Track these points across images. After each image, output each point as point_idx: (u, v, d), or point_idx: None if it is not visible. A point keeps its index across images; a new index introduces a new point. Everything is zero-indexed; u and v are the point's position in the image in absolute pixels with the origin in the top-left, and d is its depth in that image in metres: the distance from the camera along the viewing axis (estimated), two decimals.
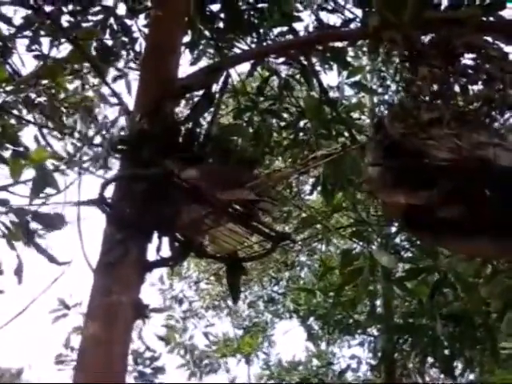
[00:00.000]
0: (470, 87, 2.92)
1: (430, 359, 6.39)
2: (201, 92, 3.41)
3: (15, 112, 4.52)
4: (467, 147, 2.61)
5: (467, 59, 2.91)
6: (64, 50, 4.30)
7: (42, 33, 4.22)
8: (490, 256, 3.66)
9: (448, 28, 2.86)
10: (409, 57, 2.93)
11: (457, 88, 2.94)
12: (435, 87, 2.86)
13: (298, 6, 4.94)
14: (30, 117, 4.63)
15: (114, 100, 4.86)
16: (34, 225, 3.82)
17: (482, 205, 2.59)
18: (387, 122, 2.77)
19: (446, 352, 5.37)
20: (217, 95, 3.20)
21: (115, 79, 4.87)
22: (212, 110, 3.20)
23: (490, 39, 2.97)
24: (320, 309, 7.85)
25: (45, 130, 4.69)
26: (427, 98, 2.86)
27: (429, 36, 3.01)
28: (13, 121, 4.59)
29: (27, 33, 4.24)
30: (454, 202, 2.60)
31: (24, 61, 4.38)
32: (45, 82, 4.34)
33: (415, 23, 2.85)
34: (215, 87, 3.20)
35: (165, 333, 10.35)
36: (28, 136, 4.61)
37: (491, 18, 3.22)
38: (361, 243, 5.30)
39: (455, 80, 2.89)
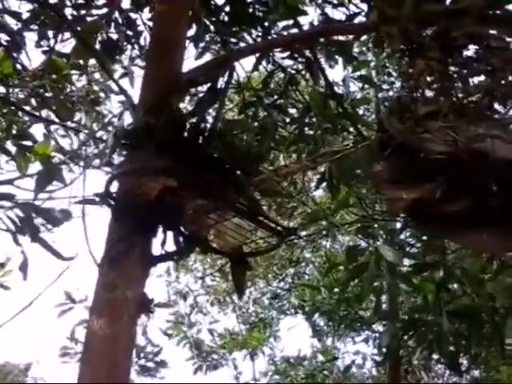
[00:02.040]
0: (470, 79, 2.90)
1: (435, 356, 6.37)
2: (205, 87, 3.40)
3: (27, 108, 4.54)
4: (464, 140, 2.60)
5: (467, 50, 2.88)
6: (70, 44, 4.32)
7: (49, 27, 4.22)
8: (496, 250, 3.65)
9: (448, 20, 2.83)
10: (406, 51, 2.92)
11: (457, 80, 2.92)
12: (433, 80, 2.85)
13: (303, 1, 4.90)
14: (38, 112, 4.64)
15: (119, 95, 4.87)
16: (39, 220, 3.83)
17: (486, 198, 2.57)
18: (385, 118, 2.77)
19: (452, 348, 5.35)
20: (222, 89, 3.18)
21: (122, 76, 4.87)
22: (217, 104, 3.17)
23: (494, 32, 2.94)
24: (325, 305, 7.84)
25: (54, 127, 4.71)
26: (426, 92, 2.85)
27: (429, 29, 2.99)
28: (22, 116, 4.61)
29: (34, 27, 4.25)
30: (458, 195, 2.58)
31: (32, 57, 4.40)
32: (51, 76, 4.34)
33: (414, 16, 2.83)
34: (220, 81, 3.18)
35: (170, 327, 10.39)
36: (39, 132, 4.64)
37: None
38: (366, 239, 5.28)
39: (455, 72, 2.88)
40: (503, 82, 2.76)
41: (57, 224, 3.63)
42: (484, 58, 2.78)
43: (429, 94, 2.85)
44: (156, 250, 2.98)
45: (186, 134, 2.97)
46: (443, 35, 2.81)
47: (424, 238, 5.66)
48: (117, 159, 4.82)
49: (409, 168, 2.67)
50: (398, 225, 6.04)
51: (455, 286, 5.20)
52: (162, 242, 2.96)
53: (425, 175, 2.62)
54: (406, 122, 2.71)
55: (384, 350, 7.18)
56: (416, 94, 2.84)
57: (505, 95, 2.77)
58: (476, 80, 2.89)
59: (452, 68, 2.88)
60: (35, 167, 4.19)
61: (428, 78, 2.83)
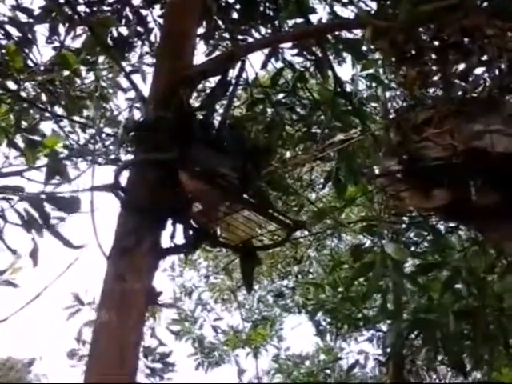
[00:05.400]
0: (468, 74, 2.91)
1: (439, 356, 6.36)
2: (213, 82, 3.41)
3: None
4: (462, 140, 2.61)
5: (462, 46, 2.88)
6: (80, 39, 4.35)
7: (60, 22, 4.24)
8: None
9: (442, 16, 2.83)
10: (399, 61, 2.94)
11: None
12: (429, 86, 2.87)
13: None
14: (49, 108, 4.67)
15: (128, 91, 4.91)
16: (49, 210, 3.84)
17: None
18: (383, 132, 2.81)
19: (457, 349, 5.33)
20: (232, 82, 3.18)
21: (131, 72, 4.88)
22: (227, 97, 3.18)
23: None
24: (329, 304, 7.83)
25: (62, 123, 4.74)
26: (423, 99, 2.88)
27: (424, 33, 3.00)
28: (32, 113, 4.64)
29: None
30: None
31: (42, 53, 4.43)
32: (61, 71, 4.37)
33: (411, 19, 2.82)
34: (231, 74, 3.18)
35: (174, 323, 10.40)
36: (48, 128, 4.67)
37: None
38: (371, 238, 5.27)
39: (452, 71, 2.89)
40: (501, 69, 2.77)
41: (68, 211, 3.63)
42: (480, 47, 2.78)
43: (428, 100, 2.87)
44: (165, 242, 3.00)
45: (195, 127, 2.98)
46: (438, 34, 2.82)
47: (429, 237, 5.66)
48: (123, 155, 4.85)
49: (414, 175, 2.71)
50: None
51: (461, 285, 5.19)
52: (172, 234, 2.97)
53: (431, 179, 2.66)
54: (404, 133, 2.74)
55: (388, 349, 7.17)
56: (412, 102, 2.87)
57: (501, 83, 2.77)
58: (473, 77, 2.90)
59: (447, 67, 2.89)
60: (43, 162, 4.21)
61: (422, 86, 2.85)
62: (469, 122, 2.68)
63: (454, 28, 2.77)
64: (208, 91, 3.73)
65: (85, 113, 5.12)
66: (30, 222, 3.84)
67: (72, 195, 3.52)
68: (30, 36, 4.36)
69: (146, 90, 3.43)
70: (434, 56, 2.91)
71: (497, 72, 2.86)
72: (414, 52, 2.92)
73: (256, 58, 4.50)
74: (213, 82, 3.68)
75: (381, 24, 2.89)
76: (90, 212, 3.05)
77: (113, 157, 4.77)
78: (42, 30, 4.45)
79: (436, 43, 2.91)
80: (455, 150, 2.62)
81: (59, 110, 4.82)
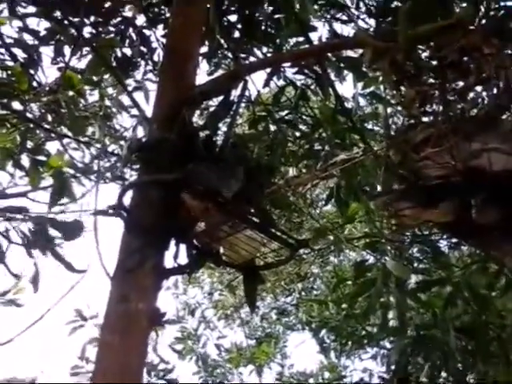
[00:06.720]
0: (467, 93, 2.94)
1: (443, 373, 6.32)
2: (216, 101, 3.45)
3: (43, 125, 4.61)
4: (460, 159, 2.64)
5: (460, 65, 2.91)
6: (85, 60, 4.41)
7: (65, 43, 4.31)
8: None
9: (440, 36, 2.86)
10: (398, 82, 2.97)
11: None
12: (428, 105, 2.90)
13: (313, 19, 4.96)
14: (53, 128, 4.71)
15: (132, 109, 4.96)
16: (52, 233, 3.87)
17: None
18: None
19: (459, 366, 5.31)
20: (235, 102, 3.22)
21: (134, 90, 4.94)
22: (230, 116, 3.21)
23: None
24: (333, 321, 7.80)
25: (66, 141, 4.78)
26: (422, 118, 2.91)
27: (422, 53, 3.04)
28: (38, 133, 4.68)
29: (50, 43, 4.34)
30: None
31: (48, 74, 4.49)
32: (66, 92, 4.42)
33: (409, 40, 2.85)
34: (233, 94, 3.22)
35: (177, 342, 10.37)
36: (53, 148, 4.72)
37: None
38: (374, 254, 5.28)
39: (450, 90, 2.92)
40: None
41: (71, 237, 3.66)
42: (477, 67, 2.81)
43: (426, 119, 2.90)
44: (168, 262, 3.02)
45: (198, 147, 3.00)
46: (436, 53, 2.85)
47: (431, 254, 5.66)
48: (128, 173, 4.89)
49: (416, 190, 2.73)
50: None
51: (462, 302, 5.18)
52: (175, 254, 2.98)
53: (432, 197, 2.68)
54: (404, 153, 2.77)
55: (392, 367, 7.13)
56: (411, 121, 2.90)
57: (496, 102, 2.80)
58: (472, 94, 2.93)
59: (445, 87, 2.92)
60: (47, 182, 4.25)
61: (420, 105, 2.88)
62: (467, 140, 2.70)
63: (452, 47, 2.80)
64: (211, 110, 3.76)
65: (90, 129, 5.17)
66: (33, 242, 3.88)
67: (75, 220, 3.54)
68: (35, 57, 4.43)
69: (149, 109, 3.48)
70: (432, 75, 2.94)
71: (495, 90, 2.89)
72: (412, 72, 2.95)
73: (258, 75, 4.55)
74: (215, 100, 3.73)
75: (380, 44, 2.92)
76: (93, 232, 3.08)
77: (118, 174, 4.81)
78: (47, 51, 4.52)
79: (434, 62, 2.95)
80: (455, 169, 2.65)
81: (64, 130, 4.87)
